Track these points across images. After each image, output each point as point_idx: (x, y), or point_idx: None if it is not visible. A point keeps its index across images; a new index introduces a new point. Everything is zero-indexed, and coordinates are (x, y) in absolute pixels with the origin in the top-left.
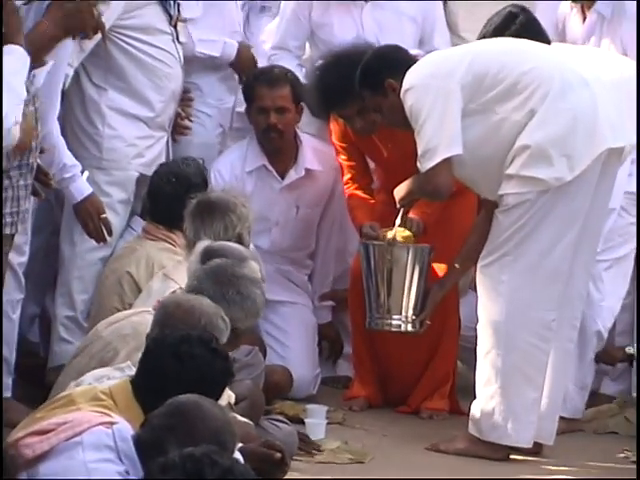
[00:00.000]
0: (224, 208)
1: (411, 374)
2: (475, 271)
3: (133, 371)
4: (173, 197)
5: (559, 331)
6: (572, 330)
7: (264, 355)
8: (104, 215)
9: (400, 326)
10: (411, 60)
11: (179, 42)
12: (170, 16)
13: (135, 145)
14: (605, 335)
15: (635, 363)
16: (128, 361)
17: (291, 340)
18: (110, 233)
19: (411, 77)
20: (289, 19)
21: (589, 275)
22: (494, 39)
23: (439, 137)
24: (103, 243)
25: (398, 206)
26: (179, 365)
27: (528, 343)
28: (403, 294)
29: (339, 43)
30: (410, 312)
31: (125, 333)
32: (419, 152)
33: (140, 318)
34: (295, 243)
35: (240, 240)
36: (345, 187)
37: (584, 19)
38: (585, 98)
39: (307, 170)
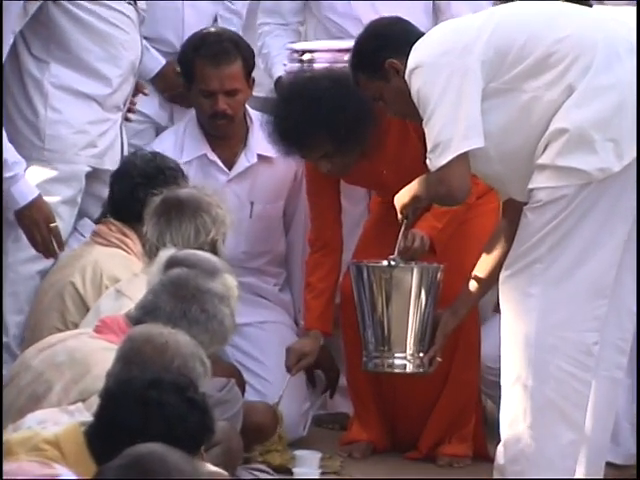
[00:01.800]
0: (196, 207)
1: (423, 411)
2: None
3: (84, 416)
4: (138, 183)
5: (603, 356)
6: (620, 355)
7: (242, 390)
8: (54, 224)
9: (405, 366)
10: (416, 34)
11: (136, 4)
12: None
13: (85, 132)
14: None
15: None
16: (81, 403)
17: (269, 371)
18: (61, 246)
19: (418, 54)
20: None
21: (634, 284)
22: (518, 2)
23: (454, 127)
24: (53, 259)
25: (400, 217)
26: (145, 414)
27: (564, 372)
28: (407, 326)
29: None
30: (416, 348)
31: (59, 361)
32: (429, 146)
33: (77, 342)
34: (253, 248)
35: (214, 249)
36: (310, 245)
37: None
38: (632, 72)
39: (260, 156)
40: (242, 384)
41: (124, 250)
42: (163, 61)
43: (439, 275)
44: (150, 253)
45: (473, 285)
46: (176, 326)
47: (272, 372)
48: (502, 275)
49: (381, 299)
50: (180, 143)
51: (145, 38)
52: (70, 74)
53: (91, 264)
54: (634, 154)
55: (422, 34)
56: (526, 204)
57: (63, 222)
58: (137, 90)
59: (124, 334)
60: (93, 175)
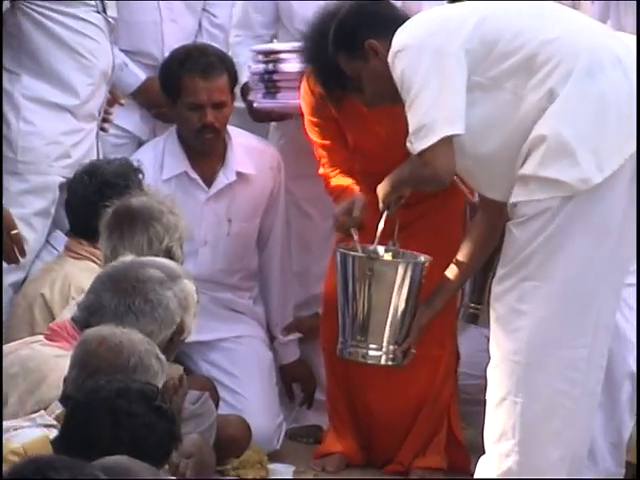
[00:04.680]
0: (147, 217)
1: (400, 424)
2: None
3: (46, 421)
4: (87, 202)
5: (587, 372)
6: (600, 370)
7: (216, 403)
8: (15, 231)
9: (379, 358)
10: (399, 17)
11: (105, 13)
12: None
13: (58, 143)
14: None
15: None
16: (42, 410)
17: (243, 385)
18: (23, 253)
19: (403, 37)
20: None
21: (619, 300)
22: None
23: (438, 110)
24: (15, 265)
25: (381, 206)
26: (114, 425)
27: (554, 389)
28: (386, 319)
29: (301, 19)
30: (392, 341)
31: (13, 372)
32: (411, 129)
33: (29, 351)
34: (230, 265)
35: (169, 255)
36: (322, 176)
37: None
38: (618, 82)
39: (239, 173)
40: (216, 397)
41: (95, 262)
42: (143, 76)
43: (422, 270)
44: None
45: (448, 277)
46: (123, 321)
47: (247, 387)
48: (493, 291)
49: (362, 290)
50: (160, 160)
51: (126, 52)
52: (42, 85)
53: (61, 277)
54: (615, 166)
55: (407, 18)
56: (500, 205)
57: (36, 234)
58: (114, 100)
59: (73, 339)
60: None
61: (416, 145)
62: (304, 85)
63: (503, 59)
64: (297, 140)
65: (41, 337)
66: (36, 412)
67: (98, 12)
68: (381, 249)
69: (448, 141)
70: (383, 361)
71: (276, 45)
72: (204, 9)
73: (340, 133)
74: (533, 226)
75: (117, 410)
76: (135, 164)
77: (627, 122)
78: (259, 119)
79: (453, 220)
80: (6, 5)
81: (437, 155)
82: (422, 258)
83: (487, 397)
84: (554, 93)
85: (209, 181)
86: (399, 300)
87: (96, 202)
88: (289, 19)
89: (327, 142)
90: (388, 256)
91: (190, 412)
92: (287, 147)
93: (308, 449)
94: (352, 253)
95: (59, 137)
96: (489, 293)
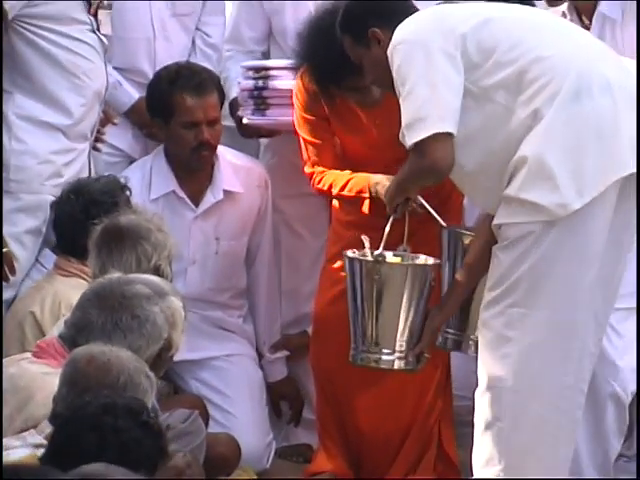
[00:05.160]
0: (135, 235)
1: (390, 442)
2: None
3: (36, 440)
4: (74, 220)
5: (571, 399)
6: (581, 395)
7: (206, 421)
8: (5, 249)
9: (392, 362)
10: (407, 10)
11: (100, 32)
12: (89, 3)
13: (50, 162)
14: (627, 399)
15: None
16: (32, 429)
17: (233, 404)
18: (13, 271)
19: (403, 31)
20: (239, 3)
21: (602, 328)
22: (516, 5)
23: (433, 105)
24: (5, 283)
25: (388, 210)
26: (100, 440)
27: (540, 417)
28: (397, 323)
29: (293, 35)
30: (405, 345)
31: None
32: (404, 122)
33: (17, 369)
34: (219, 284)
35: (158, 273)
36: (308, 175)
37: (586, 28)
38: (604, 107)
39: (226, 191)
40: (206, 416)
41: (84, 279)
42: (136, 95)
43: (431, 273)
44: None
45: (459, 280)
46: (111, 338)
47: (237, 405)
48: (482, 317)
49: (371, 294)
50: (147, 179)
51: (119, 69)
52: (34, 104)
53: (51, 294)
54: (595, 193)
55: (415, 10)
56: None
57: (27, 252)
58: (107, 120)
59: (61, 356)
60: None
61: (408, 138)
62: (298, 82)
63: (497, 70)
64: (288, 159)
65: (29, 354)
66: (25, 430)
67: (93, 31)
68: (389, 254)
69: (443, 135)
70: (396, 365)
71: (266, 62)
72: (198, 28)
73: (330, 133)
74: (517, 250)
75: (103, 426)
76: (122, 181)
77: (610, 149)
78: (248, 135)
79: (455, 220)
80: None
81: (434, 144)
82: (431, 261)
83: (475, 421)
84: (539, 113)
85: (197, 200)
86: (409, 303)
87: (83, 220)
88: (281, 35)
89: (317, 140)
90: (396, 260)
91: (180, 430)
92: (278, 166)
93: (298, 468)
94: (359, 258)
95: (50, 156)
96: (469, 319)
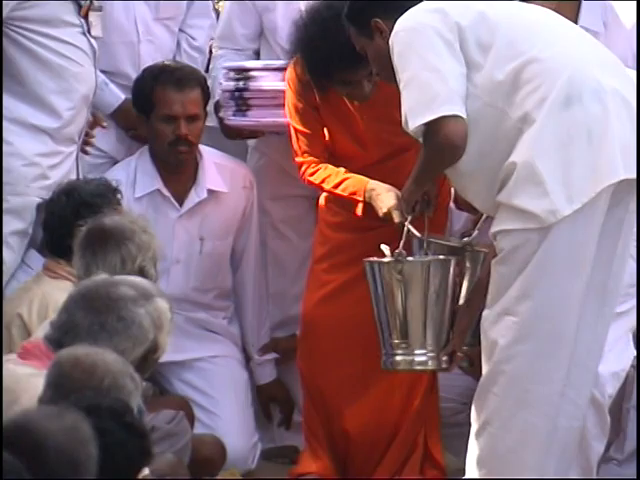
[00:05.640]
0: (119, 237)
1: (377, 444)
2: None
3: None
4: (63, 221)
5: (560, 406)
6: (570, 404)
7: (192, 423)
8: None
9: (426, 363)
10: (410, 1)
11: (91, 35)
12: (79, 5)
13: (36, 164)
14: (605, 403)
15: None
16: None
17: (219, 405)
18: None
19: (405, 19)
20: (232, 1)
21: (597, 337)
22: (518, 3)
23: (439, 87)
24: None
25: (407, 209)
26: None
27: (528, 422)
28: (425, 322)
29: (284, 34)
30: (436, 344)
31: None
32: (407, 107)
33: (2, 371)
34: (203, 284)
35: (143, 274)
36: (298, 164)
37: None
38: (594, 113)
39: (210, 191)
40: (191, 417)
41: (72, 282)
42: (122, 96)
43: (454, 268)
44: None
45: (484, 274)
46: (97, 339)
47: (222, 406)
48: (483, 324)
49: (395, 295)
50: (132, 178)
51: (103, 72)
52: (21, 106)
53: (38, 296)
54: (585, 199)
55: (418, 1)
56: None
57: (13, 253)
58: (95, 123)
59: (47, 357)
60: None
61: (411, 123)
62: (290, 71)
63: (493, 70)
64: (275, 161)
65: (14, 356)
66: None
67: (83, 34)
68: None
69: (453, 117)
70: (430, 365)
71: (247, 63)
72: (182, 30)
73: (321, 124)
74: (512, 263)
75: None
76: (114, 184)
77: (600, 155)
78: (230, 136)
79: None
80: None
81: (443, 122)
82: (450, 257)
83: (472, 420)
84: (529, 117)
85: (181, 199)
86: (435, 300)
87: (73, 221)
88: (271, 33)
89: (307, 130)
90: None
91: (165, 431)
92: (265, 168)
93: (283, 469)
94: (379, 260)
95: (36, 158)
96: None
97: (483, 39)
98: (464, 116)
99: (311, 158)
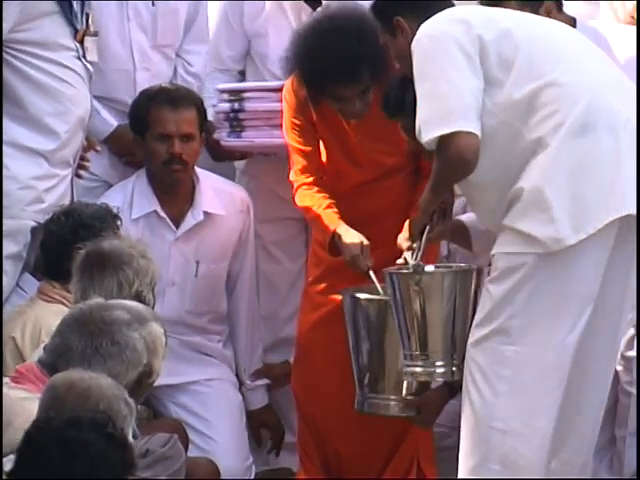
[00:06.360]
0: (117, 261)
1: (371, 468)
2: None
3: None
4: (61, 242)
5: (562, 441)
6: (579, 439)
7: (186, 445)
8: None
9: (446, 374)
10: (437, 4)
11: (86, 60)
12: (75, 29)
13: (31, 187)
14: None
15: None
16: (11, 455)
17: (213, 428)
18: None
19: (430, 25)
20: (219, 22)
21: (607, 383)
22: (544, 19)
23: (456, 102)
24: None
25: (425, 219)
26: (66, 455)
27: (525, 459)
28: (446, 333)
29: (276, 58)
30: (457, 355)
31: None
32: (423, 117)
33: None
34: (197, 307)
35: (139, 299)
36: (291, 182)
37: None
38: (607, 146)
39: (207, 214)
40: (185, 440)
41: (66, 306)
42: (115, 123)
43: (472, 278)
44: None
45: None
46: (91, 363)
47: (216, 429)
48: (469, 353)
49: (414, 308)
50: (129, 200)
51: (98, 97)
52: (17, 129)
53: (32, 320)
54: (591, 230)
55: (449, 5)
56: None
57: (7, 277)
58: (89, 147)
59: (40, 381)
60: (39, 231)
61: (424, 134)
62: (287, 86)
63: (513, 89)
64: (265, 183)
65: (7, 380)
66: (4, 456)
67: (79, 58)
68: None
69: (466, 133)
70: (456, 376)
71: (241, 84)
72: (179, 55)
73: (317, 140)
74: (507, 284)
75: (68, 440)
76: (115, 211)
77: (610, 188)
78: (220, 158)
79: None
80: None
81: (456, 137)
82: (471, 265)
83: (459, 461)
84: (544, 141)
85: (177, 222)
86: (454, 312)
87: (70, 242)
88: (261, 59)
89: (303, 147)
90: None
91: (159, 455)
92: (255, 190)
93: None
94: (398, 272)
95: (31, 182)
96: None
97: (505, 55)
98: (478, 133)
99: (304, 178)
